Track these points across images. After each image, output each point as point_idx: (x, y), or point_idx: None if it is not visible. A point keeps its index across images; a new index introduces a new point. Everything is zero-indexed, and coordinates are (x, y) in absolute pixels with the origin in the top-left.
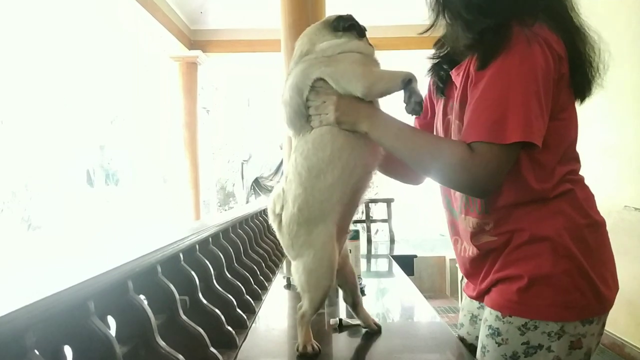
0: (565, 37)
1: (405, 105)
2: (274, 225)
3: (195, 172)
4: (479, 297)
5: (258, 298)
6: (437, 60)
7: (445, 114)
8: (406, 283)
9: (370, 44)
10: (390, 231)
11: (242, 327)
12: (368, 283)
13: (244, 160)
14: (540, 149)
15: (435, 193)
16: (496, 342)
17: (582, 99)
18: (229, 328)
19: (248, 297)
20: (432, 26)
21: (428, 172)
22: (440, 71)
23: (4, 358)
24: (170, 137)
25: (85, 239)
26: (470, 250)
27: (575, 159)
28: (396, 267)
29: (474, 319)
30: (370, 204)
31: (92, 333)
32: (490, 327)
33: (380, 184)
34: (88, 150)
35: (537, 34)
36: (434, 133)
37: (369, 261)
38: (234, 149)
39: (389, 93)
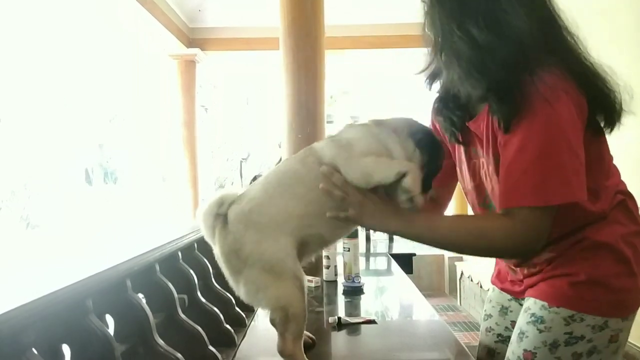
0: (579, 79)
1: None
2: (214, 232)
3: (194, 171)
4: (521, 291)
5: None
6: (444, 105)
7: (469, 158)
8: (405, 281)
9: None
10: None
11: (240, 326)
12: (367, 281)
13: (243, 159)
14: (588, 175)
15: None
16: (538, 329)
17: (611, 130)
18: (228, 326)
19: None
20: (427, 68)
21: (475, 253)
22: (452, 117)
23: (2, 356)
24: (169, 135)
25: (83, 237)
26: (528, 269)
27: (616, 169)
28: (395, 266)
29: (504, 310)
30: None
31: (91, 332)
32: (533, 315)
33: None
34: (87, 149)
35: (555, 86)
36: (460, 178)
37: (367, 259)
38: (233, 147)
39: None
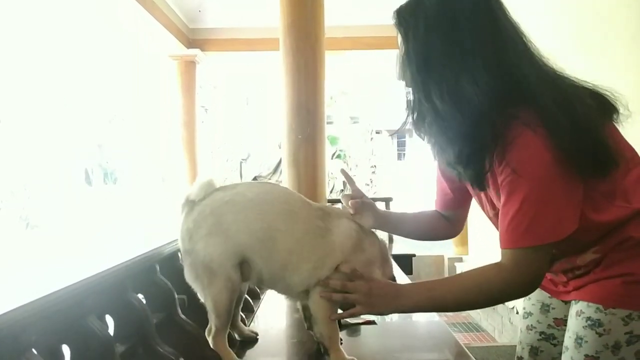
0: (555, 130)
1: None
2: (183, 211)
3: (194, 171)
4: (566, 292)
5: (257, 297)
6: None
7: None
8: (405, 282)
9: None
10: None
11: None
12: None
13: (243, 159)
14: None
15: (433, 193)
16: (597, 333)
17: (604, 175)
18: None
19: (247, 296)
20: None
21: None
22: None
23: (2, 357)
24: (169, 136)
25: (83, 238)
26: (567, 276)
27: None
28: (394, 266)
29: (546, 308)
30: None
31: (90, 332)
32: (589, 318)
33: (378, 183)
34: (86, 149)
35: (527, 126)
36: (480, 206)
37: None
38: (233, 147)
39: None
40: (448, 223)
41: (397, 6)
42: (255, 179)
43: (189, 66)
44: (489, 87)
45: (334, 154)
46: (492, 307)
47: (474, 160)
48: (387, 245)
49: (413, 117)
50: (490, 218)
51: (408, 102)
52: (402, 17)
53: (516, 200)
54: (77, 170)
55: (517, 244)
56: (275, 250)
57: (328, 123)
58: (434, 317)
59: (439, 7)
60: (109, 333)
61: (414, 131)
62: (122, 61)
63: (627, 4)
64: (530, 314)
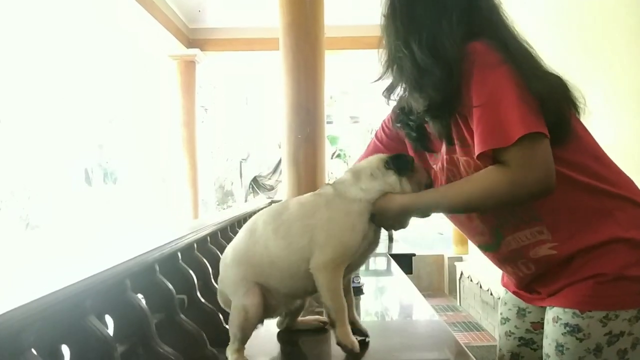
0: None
1: None
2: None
3: (194, 171)
4: (539, 299)
5: None
6: (401, 112)
7: (436, 160)
8: (404, 281)
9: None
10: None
11: None
12: (366, 282)
13: (243, 159)
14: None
15: None
16: (577, 339)
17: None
18: (227, 327)
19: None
20: (379, 79)
21: (491, 207)
22: (409, 123)
23: (2, 357)
24: (169, 136)
25: (83, 237)
26: (527, 268)
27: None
28: (394, 266)
29: (522, 312)
30: None
31: (90, 332)
32: (567, 324)
33: None
34: (86, 149)
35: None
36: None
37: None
38: (233, 147)
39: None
40: None
41: None
42: (255, 178)
43: (189, 66)
44: (461, 37)
45: (334, 154)
46: (492, 306)
47: (442, 108)
48: (388, 246)
49: (392, 70)
50: None
51: (388, 56)
52: None
53: (483, 106)
54: (77, 170)
55: (495, 142)
56: (279, 268)
57: (328, 123)
58: (434, 316)
59: None
60: (108, 333)
61: (386, 93)
62: (122, 61)
63: (626, 4)
64: (507, 319)
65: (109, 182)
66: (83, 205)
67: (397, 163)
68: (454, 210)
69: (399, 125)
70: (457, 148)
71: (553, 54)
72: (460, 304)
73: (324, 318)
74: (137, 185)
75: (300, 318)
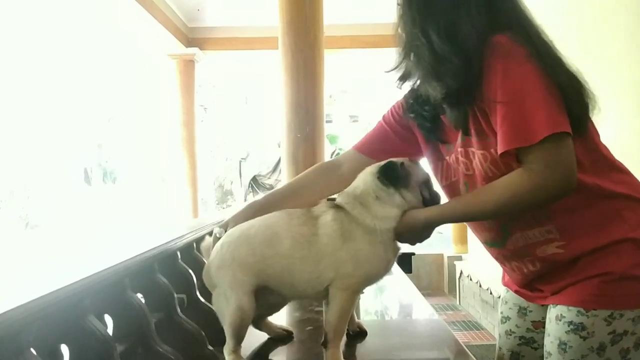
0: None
1: None
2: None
3: (193, 170)
4: (542, 297)
5: None
6: (415, 101)
7: (444, 155)
8: (404, 281)
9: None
10: None
11: None
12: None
13: (242, 158)
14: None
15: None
16: (581, 337)
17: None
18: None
19: None
20: (397, 67)
21: (517, 212)
22: (422, 113)
23: (1, 357)
24: (168, 135)
25: (82, 237)
26: (533, 265)
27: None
28: (394, 265)
29: (523, 311)
30: None
31: (89, 332)
32: (571, 323)
33: None
34: (86, 149)
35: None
36: (436, 175)
37: None
38: (232, 146)
39: None
40: (348, 173)
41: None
42: (254, 178)
43: (188, 65)
44: (483, 27)
45: (333, 153)
46: (492, 305)
47: (461, 97)
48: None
49: (409, 58)
50: (443, 187)
51: (405, 43)
52: None
53: (508, 103)
54: (77, 170)
55: (526, 140)
56: (276, 275)
57: (327, 122)
58: (433, 315)
59: None
60: (108, 333)
61: (399, 82)
62: (121, 60)
63: (626, 4)
64: (508, 318)
65: (109, 181)
66: (82, 205)
67: (391, 178)
68: (479, 219)
69: (412, 115)
70: (474, 140)
71: None
72: (459, 303)
73: (287, 327)
74: (137, 185)
75: (269, 320)
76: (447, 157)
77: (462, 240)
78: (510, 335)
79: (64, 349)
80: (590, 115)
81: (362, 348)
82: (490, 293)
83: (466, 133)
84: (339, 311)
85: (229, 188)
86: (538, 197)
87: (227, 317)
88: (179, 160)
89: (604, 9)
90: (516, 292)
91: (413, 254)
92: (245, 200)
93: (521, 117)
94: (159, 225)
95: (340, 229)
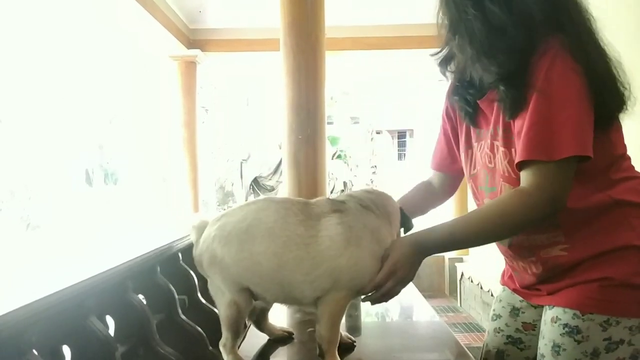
0: (589, 65)
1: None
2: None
3: (194, 172)
4: (538, 297)
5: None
6: (460, 84)
7: (477, 140)
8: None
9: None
10: None
11: None
12: None
13: (243, 160)
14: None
15: None
16: (575, 340)
17: (610, 120)
18: None
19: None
20: (441, 51)
21: (502, 237)
22: (467, 96)
23: (2, 358)
24: (169, 136)
25: (84, 238)
26: (536, 267)
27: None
28: None
29: (515, 312)
30: None
31: (91, 333)
32: (566, 325)
33: (378, 182)
34: (87, 150)
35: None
36: (465, 162)
37: None
38: (233, 148)
39: None
40: (439, 190)
41: (398, 6)
42: (255, 179)
43: (190, 67)
44: (543, 4)
45: (334, 154)
46: None
47: (517, 72)
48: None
49: (455, 38)
50: (471, 175)
51: (450, 24)
52: None
53: (540, 112)
54: (78, 171)
55: (546, 154)
56: (264, 274)
57: (328, 123)
58: (434, 317)
59: None
60: (109, 334)
61: (442, 65)
62: (123, 62)
63: (627, 4)
64: (499, 316)
65: (110, 182)
66: (84, 206)
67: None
68: (471, 242)
69: (456, 98)
70: (500, 135)
71: None
72: (460, 305)
73: (288, 329)
74: (138, 186)
75: (269, 321)
76: (476, 144)
77: None
78: (499, 333)
79: (66, 350)
80: (624, 107)
81: (362, 349)
82: (492, 295)
83: (511, 117)
84: (330, 323)
85: (230, 189)
86: (526, 218)
87: (221, 310)
88: (180, 161)
89: (604, 9)
90: (514, 290)
91: None
92: (246, 201)
93: (549, 130)
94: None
95: (344, 233)
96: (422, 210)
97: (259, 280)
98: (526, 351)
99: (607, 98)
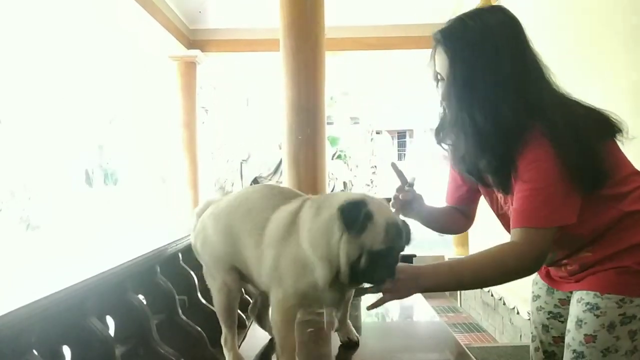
0: (562, 142)
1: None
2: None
3: (194, 172)
4: (567, 284)
5: None
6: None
7: (492, 191)
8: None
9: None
10: None
11: (241, 327)
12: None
13: (243, 160)
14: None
15: (433, 192)
16: (595, 315)
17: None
18: None
19: (247, 297)
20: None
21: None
22: (469, 174)
23: (3, 358)
24: (169, 136)
25: (84, 239)
26: (565, 268)
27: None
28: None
29: (551, 290)
30: None
31: (91, 333)
32: (588, 303)
33: (378, 183)
34: (87, 150)
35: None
36: (490, 204)
37: None
38: (233, 148)
39: None
40: (463, 216)
41: (398, 7)
42: (255, 179)
43: (189, 67)
44: (519, 107)
45: (334, 155)
46: (493, 307)
47: (501, 169)
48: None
49: (454, 131)
50: (498, 215)
51: (445, 115)
52: (448, 40)
53: (527, 189)
54: (78, 171)
55: (531, 223)
56: (240, 252)
57: (328, 123)
58: (434, 317)
59: (483, 33)
60: (109, 334)
61: (436, 134)
62: (123, 62)
63: (623, 5)
64: (538, 296)
65: (110, 183)
66: (84, 206)
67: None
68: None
69: (460, 168)
70: (511, 195)
71: (550, 55)
72: (460, 305)
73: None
74: (138, 186)
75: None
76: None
77: (463, 242)
78: (540, 310)
79: (66, 350)
80: (621, 138)
81: (363, 349)
82: (491, 295)
83: (507, 193)
84: (275, 327)
85: (229, 189)
86: (517, 268)
87: (215, 300)
88: (180, 161)
89: (601, 10)
90: (545, 280)
91: (414, 255)
92: None
93: (540, 201)
94: (163, 225)
95: (286, 226)
96: (444, 223)
97: (239, 257)
98: (566, 323)
99: (587, 170)
